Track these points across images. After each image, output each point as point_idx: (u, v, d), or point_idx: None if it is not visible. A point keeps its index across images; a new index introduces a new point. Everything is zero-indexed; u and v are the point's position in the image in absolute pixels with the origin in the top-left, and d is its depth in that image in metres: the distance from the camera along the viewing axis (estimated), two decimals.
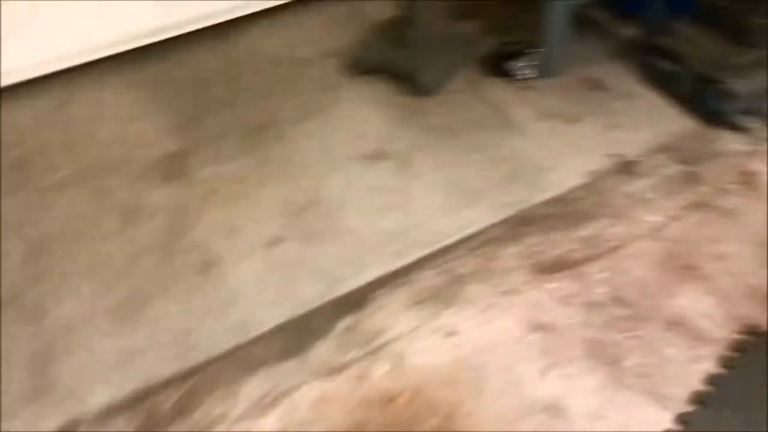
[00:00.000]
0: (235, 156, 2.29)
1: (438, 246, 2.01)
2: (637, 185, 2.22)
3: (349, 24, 2.85)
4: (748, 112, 2.39)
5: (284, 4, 2.87)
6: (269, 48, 2.75)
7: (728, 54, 2.34)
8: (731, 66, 2.33)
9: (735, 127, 2.40)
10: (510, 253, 2.02)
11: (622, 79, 2.62)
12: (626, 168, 2.28)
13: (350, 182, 2.21)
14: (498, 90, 2.56)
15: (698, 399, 1.69)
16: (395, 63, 2.60)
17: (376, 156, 2.31)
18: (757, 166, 2.30)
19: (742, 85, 2.32)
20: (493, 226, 2.09)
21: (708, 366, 1.76)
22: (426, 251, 2.00)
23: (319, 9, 2.92)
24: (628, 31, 2.80)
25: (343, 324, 1.83)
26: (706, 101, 2.41)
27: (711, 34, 2.40)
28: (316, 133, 2.39)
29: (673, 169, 2.28)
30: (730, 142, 2.38)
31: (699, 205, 2.16)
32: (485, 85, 2.59)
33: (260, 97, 2.52)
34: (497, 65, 2.62)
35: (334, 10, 2.93)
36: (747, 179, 2.25)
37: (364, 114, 2.47)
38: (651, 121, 2.45)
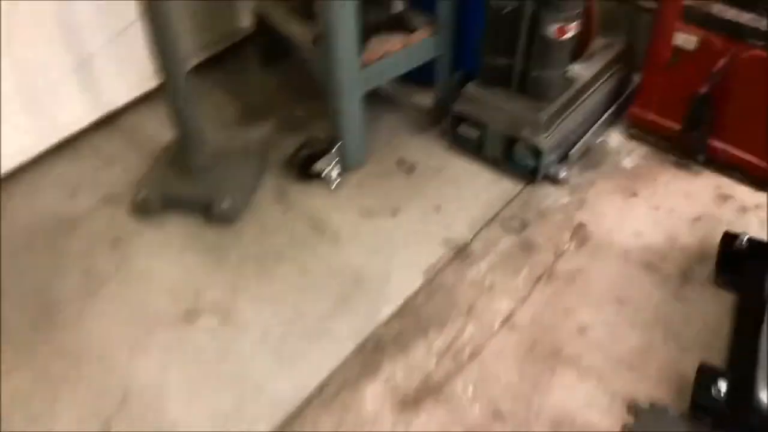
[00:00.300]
0: (16, 364, 1.86)
1: (286, 413, 1.72)
2: (477, 270, 2.08)
3: (128, 157, 2.49)
4: (559, 162, 2.35)
5: (48, 150, 2.48)
6: (38, 208, 2.33)
7: (527, 110, 2.28)
8: (532, 122, 2.27)
9: (552, 181, 2.34)
10: (369, 395, 1.77)
11: (432, 153, 2.50)
12: (462, 253, 2.13)
13: (166, 358, 1.87)
14: (309, 197, 2.34)
15: None
16: (187, 193, 2.29)
17: (191, 315, 1.98)
18: (584, 216, 2.25)
19: (548, 139, 2.28)
20: (343, 364, 1.84)
21: None
22: (273, 426, 1.70)
23: (91, 147, 2.54)
24: (426, 100, 2.70)
25: None
26: (517, 161, 2.34)
27: (505, 93, 2.34)
28: (113, 304, 2.02)
29: (507, 241, 2.17)
30: (551, 197, 2.32)
31: (543, 277, 2.06)
32: (294, 193, 2.35)
33: (36, 276, 2.10)
34: (302, 168, 2.39)
35: (108, 145, 2.56)
36: (579, 233, 2.19)
37: (166, 264, 2.13)
38: (471, 192, 2.34)
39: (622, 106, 2.56)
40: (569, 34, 2.13)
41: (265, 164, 2.44)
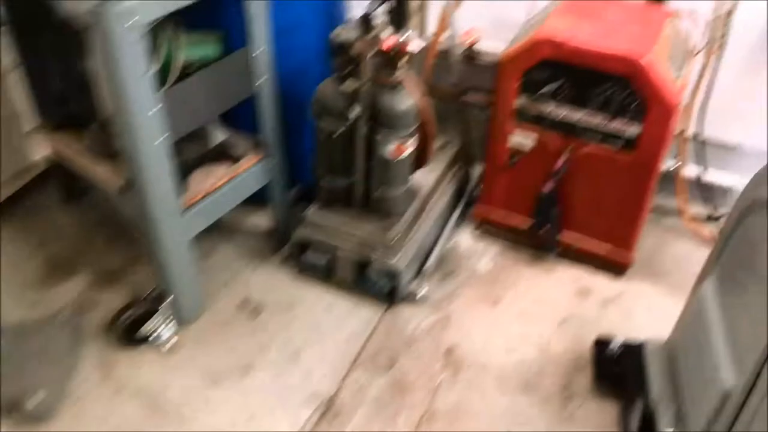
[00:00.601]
0: None
1: None
2: (351, 429, 1.84)
3: None
4: (415, 278, 2.19)
5: None
6: None
7: (375, 231, 2.10)
8: (382, 243, 2.09)
9: (411, 301, 2.17)
10: None
11: (278, 285, 2.24)
12: (330, 409, 1.89)
13: None
14: (142, 367, 1.98)
15: None
16: None
17: None
18: (452, 337, 2.09)
19: (401, 258, 2.11)
20: None
21: None
22: None
23: None
24: (263, 222, 2.44)
25: None
26: (372, 284, 2.15)
27: (349, 214, 2.15)
28: None
29: (378, 384, 1.95)
30: (414, 319, 2.14)
31: (423, 421, 1.86)
32: (123, 366, 1.99)
33: None
34: (128, 334, 2.03)
35: None
36: (450, 359, 2.02)
37: None
38: (329, 329, 2.11)
39: (467, 206, 2.46)
40: (407, 152, 1.99)
41: (82, 334, 2.05)
